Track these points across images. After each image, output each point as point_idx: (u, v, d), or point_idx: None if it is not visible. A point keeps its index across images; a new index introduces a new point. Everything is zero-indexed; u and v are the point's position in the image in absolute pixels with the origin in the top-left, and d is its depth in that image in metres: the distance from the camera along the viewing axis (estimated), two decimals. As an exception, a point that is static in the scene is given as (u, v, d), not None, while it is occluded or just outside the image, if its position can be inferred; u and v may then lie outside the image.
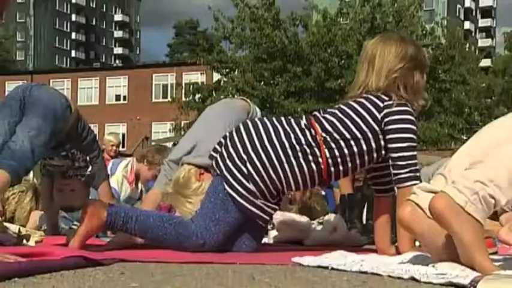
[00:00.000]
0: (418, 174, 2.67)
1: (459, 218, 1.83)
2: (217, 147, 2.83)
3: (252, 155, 2.69)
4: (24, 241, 2.83)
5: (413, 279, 1.79)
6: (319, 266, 2.10)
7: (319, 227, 3.76)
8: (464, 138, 22.07)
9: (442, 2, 67.77)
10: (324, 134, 2.71)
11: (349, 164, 2.73)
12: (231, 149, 2.74)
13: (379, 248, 2.84)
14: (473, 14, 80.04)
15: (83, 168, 3.59)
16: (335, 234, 3.65)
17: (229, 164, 2.71)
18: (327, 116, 2.76)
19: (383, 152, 2.75)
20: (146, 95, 36.98)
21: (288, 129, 2.72)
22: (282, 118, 2.80)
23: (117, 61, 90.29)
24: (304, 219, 3.87)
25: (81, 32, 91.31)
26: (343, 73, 19.90)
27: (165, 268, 2.02)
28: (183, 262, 2.16)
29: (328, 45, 19.87)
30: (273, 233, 3.90)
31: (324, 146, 2.70)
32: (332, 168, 2.72)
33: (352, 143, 2.71)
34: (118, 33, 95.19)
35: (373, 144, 2.73)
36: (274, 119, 2.80)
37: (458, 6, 75.80)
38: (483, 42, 77.08)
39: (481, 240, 1.88)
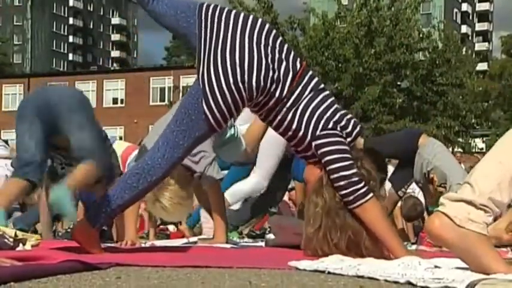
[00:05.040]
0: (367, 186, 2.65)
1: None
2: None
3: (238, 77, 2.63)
4: (21, 245, 2.82)
5: (409, 283, 1.79)
6: (315, 270, 2.10)
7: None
8: (461, 140, 22.14)
9: (439, 6, 67.92)
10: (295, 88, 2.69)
11: (284, 122, 2.70)
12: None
13: None
14: (470, 17, 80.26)
15: None
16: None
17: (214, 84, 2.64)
18: (315, 86, 2.73)
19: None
20: (144, 98, 36.96)
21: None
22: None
23: (114, 64, 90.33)
24: (301, 223, 3.86)
25: (79, 35, 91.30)
26: (341, 77, 19.94)
27: (161, 272, 2.02)
28: (179, 266, 2.15)
29: (325, 49, 19.90)
30: (270, 236, 3.90)
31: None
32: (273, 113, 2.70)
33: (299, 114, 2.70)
34: (115, 37, 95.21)
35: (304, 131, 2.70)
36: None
37: (455, 10, 76.01)
38: (480, 46, 77.31)
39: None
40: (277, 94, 2.68)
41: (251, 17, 2.79)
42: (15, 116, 3.66)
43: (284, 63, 2.70)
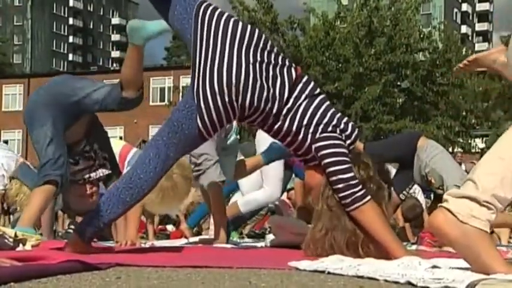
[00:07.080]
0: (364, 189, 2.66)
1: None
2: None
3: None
4: (21, 245, 2.82)
5: (409, 283, 1.79)
6: (315, 270, 2.10)
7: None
8: (461, 141, 22.14)
9: (439, 6, 67.93)
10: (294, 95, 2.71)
11: (284, 125, 2.71)
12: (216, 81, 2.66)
13: None
14: (470, 18, 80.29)
15: (102, 166, 3.64)
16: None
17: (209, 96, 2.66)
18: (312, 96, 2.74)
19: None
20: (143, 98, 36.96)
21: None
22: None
23: (114, 64, 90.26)
24: (301, 223, 3.87)
25: (79, 36, 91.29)
26: (341, 76, 19.93)
27: (161, 272, 2.02)
28: (179, 266, 2.15)
29: (325, 49, 19.90)
30: (270, 237, 3.90)
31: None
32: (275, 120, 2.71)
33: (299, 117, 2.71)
34: (115, 37, 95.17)
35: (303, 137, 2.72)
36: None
37: (455, 10, 76.06)
38: (480, 46, 77.21)
39: None
40: (274, 111, 2.70)
41: (248, 29, 2.76)
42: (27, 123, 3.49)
43: (279, 78, 2.71)
